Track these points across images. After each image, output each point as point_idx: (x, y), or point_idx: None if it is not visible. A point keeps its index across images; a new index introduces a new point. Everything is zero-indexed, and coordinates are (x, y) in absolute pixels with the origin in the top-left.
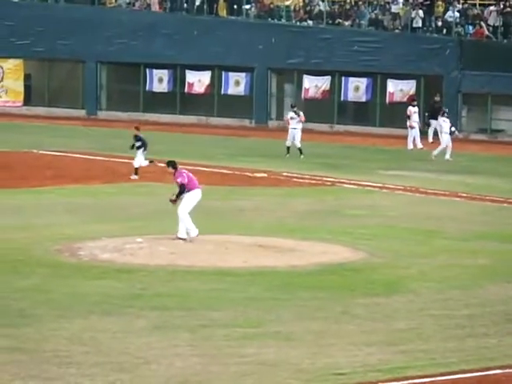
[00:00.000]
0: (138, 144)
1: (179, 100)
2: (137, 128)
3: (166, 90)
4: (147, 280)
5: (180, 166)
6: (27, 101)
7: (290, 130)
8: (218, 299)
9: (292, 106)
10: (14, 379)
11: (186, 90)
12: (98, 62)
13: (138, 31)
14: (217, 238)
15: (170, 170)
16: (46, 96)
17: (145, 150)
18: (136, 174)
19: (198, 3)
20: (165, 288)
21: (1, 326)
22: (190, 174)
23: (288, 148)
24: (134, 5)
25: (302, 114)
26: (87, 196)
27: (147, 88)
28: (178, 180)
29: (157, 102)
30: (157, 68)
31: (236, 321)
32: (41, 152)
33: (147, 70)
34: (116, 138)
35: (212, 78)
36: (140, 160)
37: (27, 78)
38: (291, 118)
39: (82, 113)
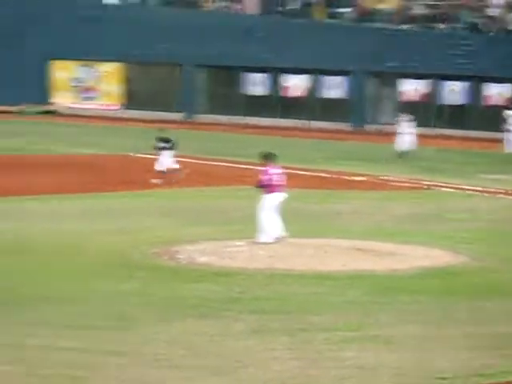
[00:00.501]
0: (161, 145)
1: (277, 103)
2: (160, 130)
3: (263, 94)
4: (245, 283)
5: (273, 166)
6: (125, 104)
7: (402, 135)
8: (316, 303)
9: (402, 112)
10: (115, 382)
11: (283, 93)
12: (195, 66)
13: (234, 34)
14: (315, 242)
15: (264, 162)
16: (144, 99)
17: (164, 150)
18: (161, 178)
19: (295, 6)
20: (263, 291)
21: (101, 329)
22: (278, 177)
23: (401, 152)
24: (230, 8)
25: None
26: (185, 199)
27: (244, 91)
28: (261, 177)
29: (256, 106)
30: (254, 71)
31: (335, 324)
32: (137, 155)
33: (244, 74)
34: (215, 142)
35: (309, 81)
36: (163, 162)
37: (125, 81)
38: (402, 122)
39: (179, 116)
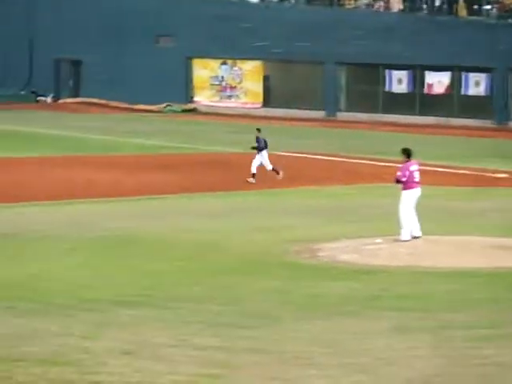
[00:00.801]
0: (260, 146)
1: (417, 100)
2: (258, 130)
3: (405, 91)
4: (387, 281)
5: (412, 162)
6: (266, 102)
7: None
8: (458, 300)
9: None
10: (255, 380)
11: (425, 90)
12: (336, 64)
13: (376, 32)
14: (458, 239)
15: (404, 158)
16: (285, 97)
17: (261, 151)
18: (253, 177)
19: (437, 3)
20: (405, 289)
21: (242, 327)
22: (415, 173)
23: None
24: (372, 6)
25: None
26: (326, 197)
27: (386, 89)
28: (398, 173)
29: (395, 103)
30: (396, 69)
31: (476, 322)
32: (279, 153)
33: (386, 71)
34: (356, 139)
35: (452, 78)
36: (258, 162)
37: (266, 79)
38: None
39: (321, 114)
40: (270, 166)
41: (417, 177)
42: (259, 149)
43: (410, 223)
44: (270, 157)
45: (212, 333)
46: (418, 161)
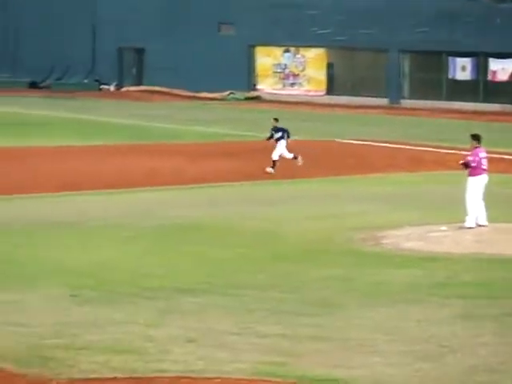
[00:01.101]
0: (277, 136)
1: (481, 88)
2: (275, 120)
3: (468, 78)
4: (452, 268)
5: (481, 149)
6: (329, 90)
7: None
8: None
9: None
10: (318, 367)
11: (489, 77)
12: (400, 51)
13: (440, 19)
14: None
15: (474, 143)
16: (349, 85)
17: (286, 138)
18: (273, 167)
19: None
20: (469, 277)
21: (305, 315)
22: (483, 160)
23: None
24: None
25: None
26: (391, 185)
27: (450, 76)
28: (468, 158)
29: (459, 90)
30: (459, 56)
31: None
32: (344, 141)
33: (449, 58)
34: (419, 127)
35: None
36: (279, 152)
37: (329, 67)
38: None
39: (384, 101)
40: (289, 155)
41: (485, 164)
42: (277, 139)
43: (475, 210)
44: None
45: (275, 320)
46: (484, 147)
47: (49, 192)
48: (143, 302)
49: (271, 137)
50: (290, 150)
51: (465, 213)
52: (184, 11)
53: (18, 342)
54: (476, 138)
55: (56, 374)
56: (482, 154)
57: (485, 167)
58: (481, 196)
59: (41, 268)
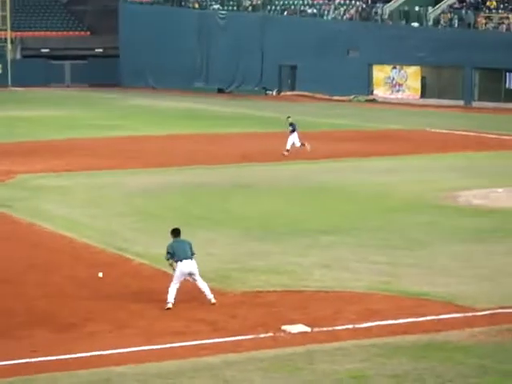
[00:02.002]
0: (290, 129)
1: None
2: (288, 117)
3: None
4: (505, 218)
5: None
6: (423, 94)
7: None
8: None
9: None
10: (413, 285)
11: None
12: (472, 68)
13: (499, 46)
14: None
15: None
16: (436, 91)
17: (293, 132)
18: (287, 151)
19: None
20: None
21: (404, 248)
22: None
23: None
24: (497, 27)
25: None
26: (464, 160)
27: (507, 86)
28: None
29: None
30: None
31: None
32: (432, 130)
33: (507, 74)
34: (485, 121)
35: None
36: (291, 141)
37: (423, 79)
38: None
39: (461, 103)
40: (298, 144)
41: None
42: (292, 131)
43: None
44: (427, 133)
45: (383, 252)
46: None
47: (233, 163)
48: (294, 239)
49: (293, 130)
50: (300, 139)
51: None
52: (324, 40)
53: (208, 266)
54: None
55: (232, 288)
56: None
57: None
58: None
59: (226, 216)
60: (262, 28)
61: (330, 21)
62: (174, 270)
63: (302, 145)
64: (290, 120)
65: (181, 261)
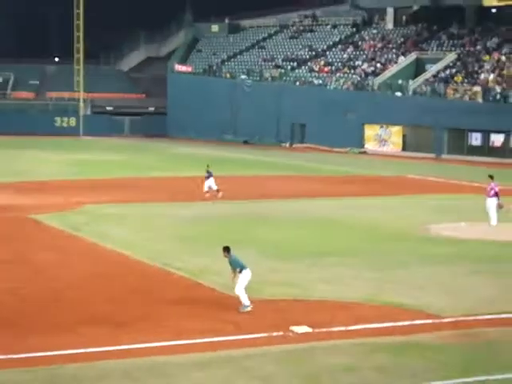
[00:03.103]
0: (207, 175)
1: (487, 149)
2: (208, 166)
3: (479, 144)
4: (469, 246)
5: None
6: (404, 148)
7: None
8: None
9: None
10: (395, 297)
11: (490, 144)
12: (442, 128)
13: (463, 113)
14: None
15: (490, 180)
16: (414, 146)
17: (209, 178)
18: (206, 192)
19: None
20: (479, 251)
21: (387, 268)
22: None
23: None
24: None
25: None
26: (433, 200)
27: (469, 143)
28: (496, 189)
29: (474, 150)
30: (474, 132)
31: None
32: (411, 176)
33: (469, 133)
34: (452, 170)
35: None
36: (207, 185)
37: (404, 136)
38: None
39: (432, 155)
40: (215, 187)
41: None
42: (207, 176)
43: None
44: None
45: (371, 271)
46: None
47: (254, 199)
48: (301, 259)
49: (209, 176)
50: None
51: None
52: (327, 105)
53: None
54: (491, 177)
55: (252, 296)
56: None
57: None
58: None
59: (249, 240)
60: (279, 94)
61: (331, 90)
62: (236, 277)
63: (217, 190)
64: (208, 168)
65: (245, 269)
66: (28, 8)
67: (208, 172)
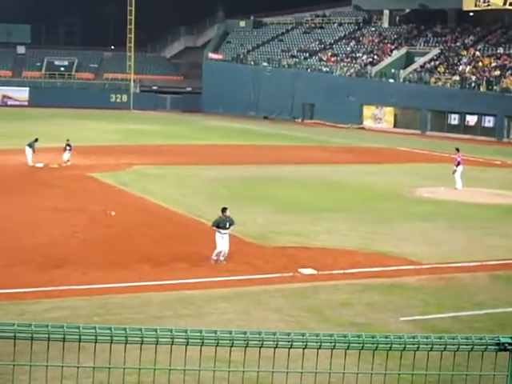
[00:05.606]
0: (68, 148)
1: (463, 127)
2: (68, 140)
3: (456, 123)
4: (445, 205)
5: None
6: (395, 125)
7: None
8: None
9: None
10: (384, 246)
11: (466, 123)
12: (427, 110)
13: (443, 96)
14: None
15: (456, 151)
16: (403, 123)
17: (68, 150)
18: (65, 162)
19: None
20: (454, 209)
21: (378, 223)
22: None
23: None
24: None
25: None
26: (414, 168)
27: (448, 122)
28: (458, 159)
29: (452, 128)
30: (453, 113)
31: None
32: (399, 148)
33: (449, 115)
34: (432, 144)
35: None
36: (66, 157)
37: (395, 115)
38: None
39: (418, 132)
40: (66, 158)
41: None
42: (67, 149)
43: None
44: (398, 150)
45: (365, 225)
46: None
47: (271, 163)
48: (307, 214)
49: (69, 149)
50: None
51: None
52: (333, 88)
53: (253, 229)
54: (457, 149)
55: (268, 243)
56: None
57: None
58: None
59: (266, 197)
60: (293, 79)
61: (336, 76)
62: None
63: (68, 161)
64: (68, 142)
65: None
66: (92, 6)
67: (68, 145)
